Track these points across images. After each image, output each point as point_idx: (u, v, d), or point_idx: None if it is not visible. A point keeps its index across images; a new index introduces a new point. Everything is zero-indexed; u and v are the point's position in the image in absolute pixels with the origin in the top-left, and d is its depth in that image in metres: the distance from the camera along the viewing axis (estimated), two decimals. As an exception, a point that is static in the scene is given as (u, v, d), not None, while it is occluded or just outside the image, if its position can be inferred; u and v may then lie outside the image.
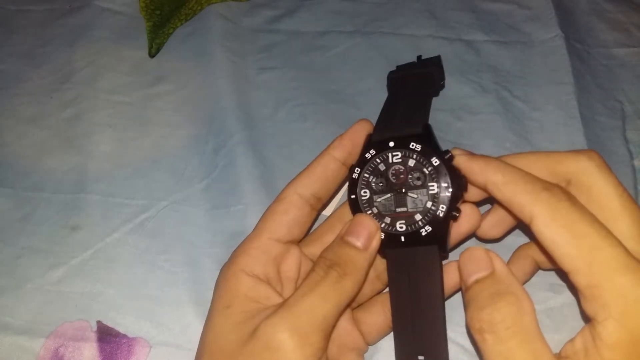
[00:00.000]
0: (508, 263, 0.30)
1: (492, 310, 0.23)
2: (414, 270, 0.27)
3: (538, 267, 0.30)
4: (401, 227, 0.27)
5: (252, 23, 0.46)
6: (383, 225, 0.28)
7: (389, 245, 0.28)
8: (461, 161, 0.27)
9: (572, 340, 0.23)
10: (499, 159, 0.27)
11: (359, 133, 0.29)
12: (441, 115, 0.40)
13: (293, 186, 0.29)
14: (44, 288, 0.34)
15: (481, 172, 0.26)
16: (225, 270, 0.28)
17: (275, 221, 0.28)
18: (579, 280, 0.22)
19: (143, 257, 0.35)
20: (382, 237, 0.27)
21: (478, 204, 0.29)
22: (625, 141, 0.38)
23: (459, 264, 0.26)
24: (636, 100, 0.41)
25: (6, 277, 0.35)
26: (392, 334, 0.31)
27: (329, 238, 0.29)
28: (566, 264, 0.22)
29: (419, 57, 0.36)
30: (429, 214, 0.27)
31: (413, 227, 0.27)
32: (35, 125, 0.41)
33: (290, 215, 0.28)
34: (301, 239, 0.30)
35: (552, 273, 0.33)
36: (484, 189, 0.26)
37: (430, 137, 0.28)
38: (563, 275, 0.33)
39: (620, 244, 0.22)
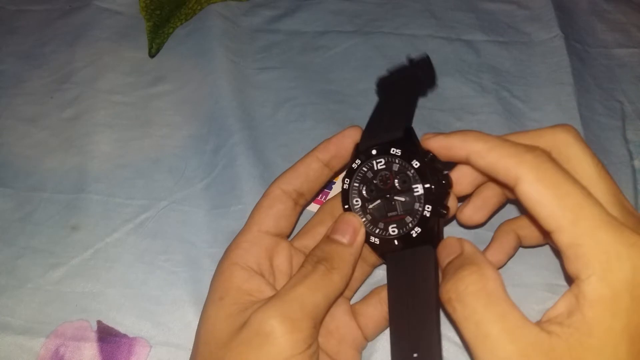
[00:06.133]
0: (492, 238, 0.31)
1: (456, 280, 0.24)
2: (411, 271, 0.27)
3: (520, 243, 0.31)
4: (393, 231, 0.28)
5: (251, 23, 0.46)
6: (377, 230, 0.28)
7: (385, 249, 0.28)
8: (438, 140, 0.27)
9: (552, 307, 0.23)
10: (471, 130, 0.27)
11: (346, 139, 0.30)
12: (441, 115, 0.40)
13: (277, 182, 0.30)
14: (44, 288, 0.34)
15: (462, 144, 0.26)
16: (220, 264, 0.29)
17: (261, 214, 0.30)
18: (563, 239, 0.22)
19: (143, 257, 0.35)
20: (378, 242, 0.28)
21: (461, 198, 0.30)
22: (625, 141, 0.38)
23: (438, 255, 0.27)
24: (636, 100, 0.41)
25: (6, 277, 0.35)
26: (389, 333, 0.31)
27: (321, 230, 0.30)
28: (550, 223, 0.23)
29: (409, 59, 0.36)
30: (417, 215, 0.27)
31: (404, 229, 0.28)
32: (35, 125, 0.41)
33: (274, 209, 0.29)
34: (289, 234, 0.31)
35: (551, 273, 0.33)
36: (465, 161, 0.26)
37: (411, 139, 0.28)
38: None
39: (600, 203, 0.22)
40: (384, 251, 0.29)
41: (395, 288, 0.28)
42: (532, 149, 0.24)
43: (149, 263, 0.35)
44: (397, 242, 0.28)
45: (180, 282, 0.34)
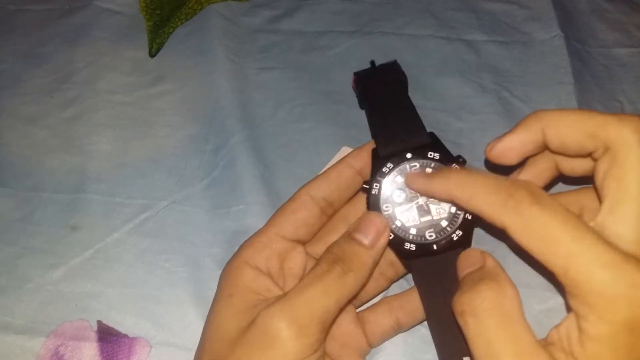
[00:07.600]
0: (525, 165, 0.28)
1: (473, 293, 0.23)
2: (445, 275, 0.27)
3: (559, 171, 0.28)
4: (431, 236, 0.28)
5: (252, 23, 0.46)
6: (410, 237, 0.28)
7: (420, 255, 0.28)
8: (420, 185, 0.27)
9: (557, 326, 0.23)
10: (453, 169, 0.27)
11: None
12: (441, 115, 0.40)
13: (306, 188, 0.29)
14: (44, 288, 0.34)
15: (443, 191, 0.26)
16: (230, 261, 0.29)
17: (283, 218, 0.29)
18: (560, 280, 0.22)
19: (143, 257, 0.35)
20: (414, 248, 0.28)
21: None
22: (625, 141, 0.38)
23: (457, 264, 0.26)
24: (636, 100, 0.41)
25: (6, 277, 0.35)
26: (395, 338, 0.31)
27: (333, 238, 0.29)
28: (546, 267, 0.22)
29: (372, 63, 0.35)
30: (455, 219, 0.28)
31: (442, 233, 0.28)
32: (35, 125, 0.41)
33: (298, 215, 0.29)
34: (308, 241, 0.30)
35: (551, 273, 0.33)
36: (450, 202, 0.27)
37: (441, 144, 0.29)
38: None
39: (598, 241, 0.21)
40: (417, 257, 0.28)
41: (430, 293, 0.28)
42: (514, 191, 0.23)
43: (149, 263, 0.35)
44: (436, 246, 0.28)
45: (180, 282, 0.34)
